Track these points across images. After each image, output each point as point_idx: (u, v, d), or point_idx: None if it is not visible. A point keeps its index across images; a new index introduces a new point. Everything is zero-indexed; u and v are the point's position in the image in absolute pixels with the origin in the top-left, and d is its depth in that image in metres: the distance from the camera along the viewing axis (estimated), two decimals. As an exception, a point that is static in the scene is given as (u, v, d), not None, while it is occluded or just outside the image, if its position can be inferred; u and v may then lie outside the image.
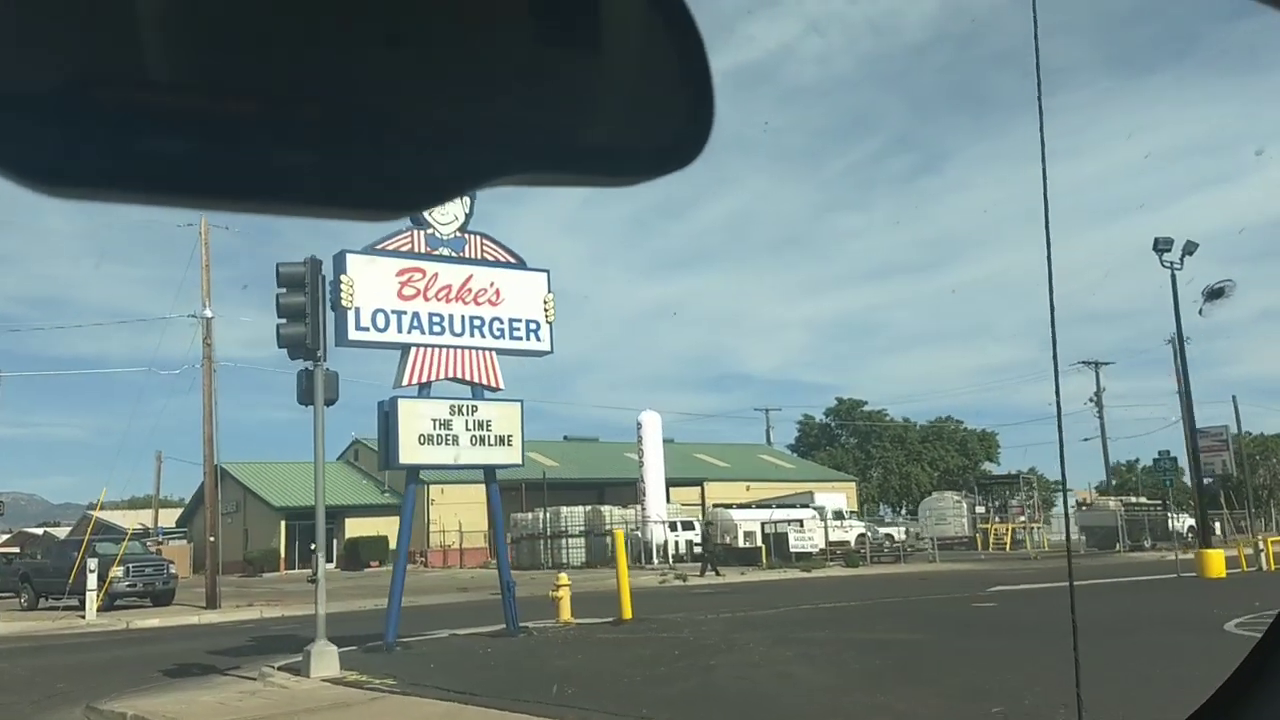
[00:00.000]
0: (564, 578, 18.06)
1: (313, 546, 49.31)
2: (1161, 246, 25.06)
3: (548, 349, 16.43)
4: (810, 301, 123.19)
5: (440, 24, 0.66)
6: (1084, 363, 59.41)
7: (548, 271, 16.69)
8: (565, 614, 17.27)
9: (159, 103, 0.62)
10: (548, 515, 44.96)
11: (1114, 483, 66.43)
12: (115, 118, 0.61)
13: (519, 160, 0.70)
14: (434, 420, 15.27)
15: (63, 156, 0.61)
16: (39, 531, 61.90)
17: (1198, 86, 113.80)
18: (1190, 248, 25.09)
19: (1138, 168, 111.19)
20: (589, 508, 45.89)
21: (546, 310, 16.39)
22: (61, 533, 52.99)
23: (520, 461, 16.10)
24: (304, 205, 0.68)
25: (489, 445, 15.64)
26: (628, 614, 16.91)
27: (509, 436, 15.80)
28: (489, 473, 16.32)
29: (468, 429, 15.48)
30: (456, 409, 15.48)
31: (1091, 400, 59.24)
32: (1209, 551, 24.73)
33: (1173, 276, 25.18)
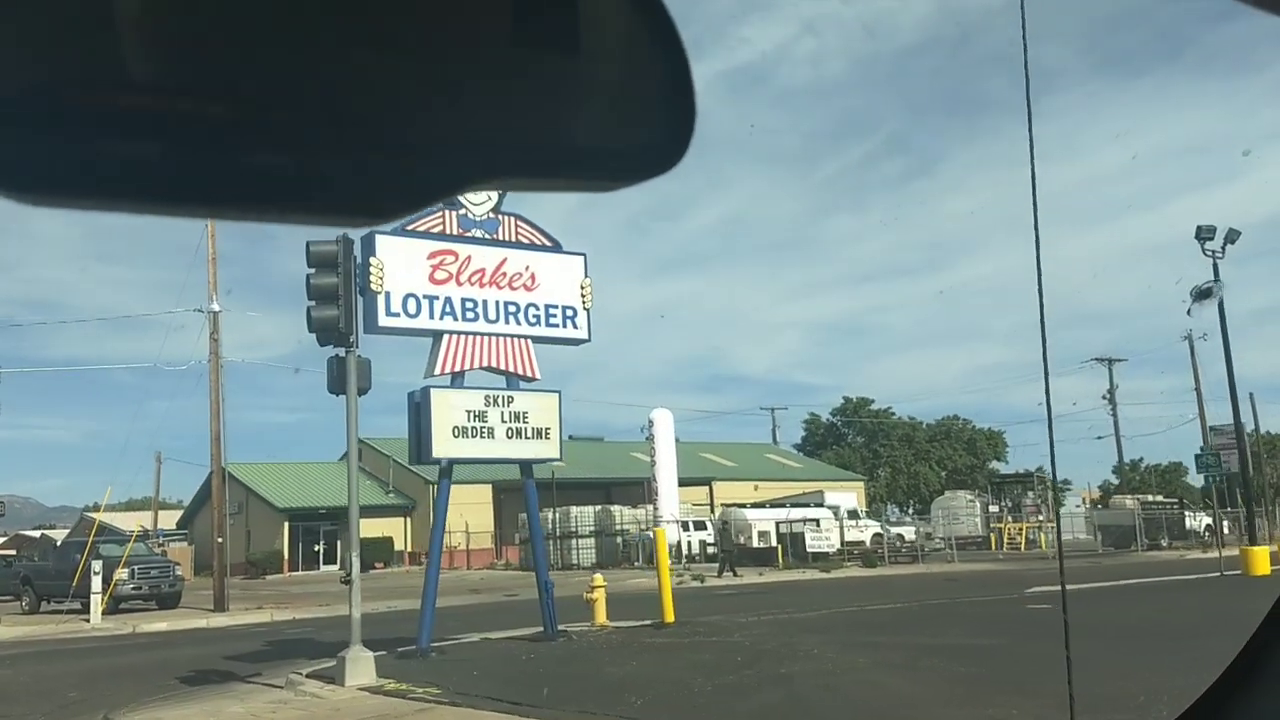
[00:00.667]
0: (599, 579, 17.23)
1: (316, 548, 48.23)
2: (1204, 235, 24.32)
3: (585, 336, 15.57)
4: (805, 303, 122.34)
5: (421, 27, 0.65)
6: (1097, 360, 58.60)
7: (584, 255, 15.84)
8: (601, 616, 16.42)
9: (137, 107, 0.61)
10: (556, 515, 44.06)
11: (1118, 482, 65.67)
12: (92, 123, 0.60)
13: (501, 164, 0.69)
14: (468, 412, 14.40)
15: (38, 164, 0.60)
16: (35, 534, 60.88)
17: (1187, 89, 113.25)
18: (1232, 236, 24.36)
19: (1129, 170, 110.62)
20: (599, 508, 45.05)
21: (584, 295, 15.53)
22: (58, 535, 51.97)
23: (559, 456, 15.26)
24: (285, 211, 0.67)
25: (525, 438, 14.77)
26: (670, 617, 16.05)
27: (546, 429, 14.93)
28: (525, 468, 15.44)
29: (503, 421, 14.61)
30: (492, 400, 14.61)
31: (1105, 398, 58.37)
32: (1254, 549, 24.02)
33: (1214, 266, 24.43)
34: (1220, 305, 23.85)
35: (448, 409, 14.27)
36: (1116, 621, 15.76)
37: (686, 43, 0.70)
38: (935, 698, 9.05)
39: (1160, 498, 54.93)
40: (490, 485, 48.28)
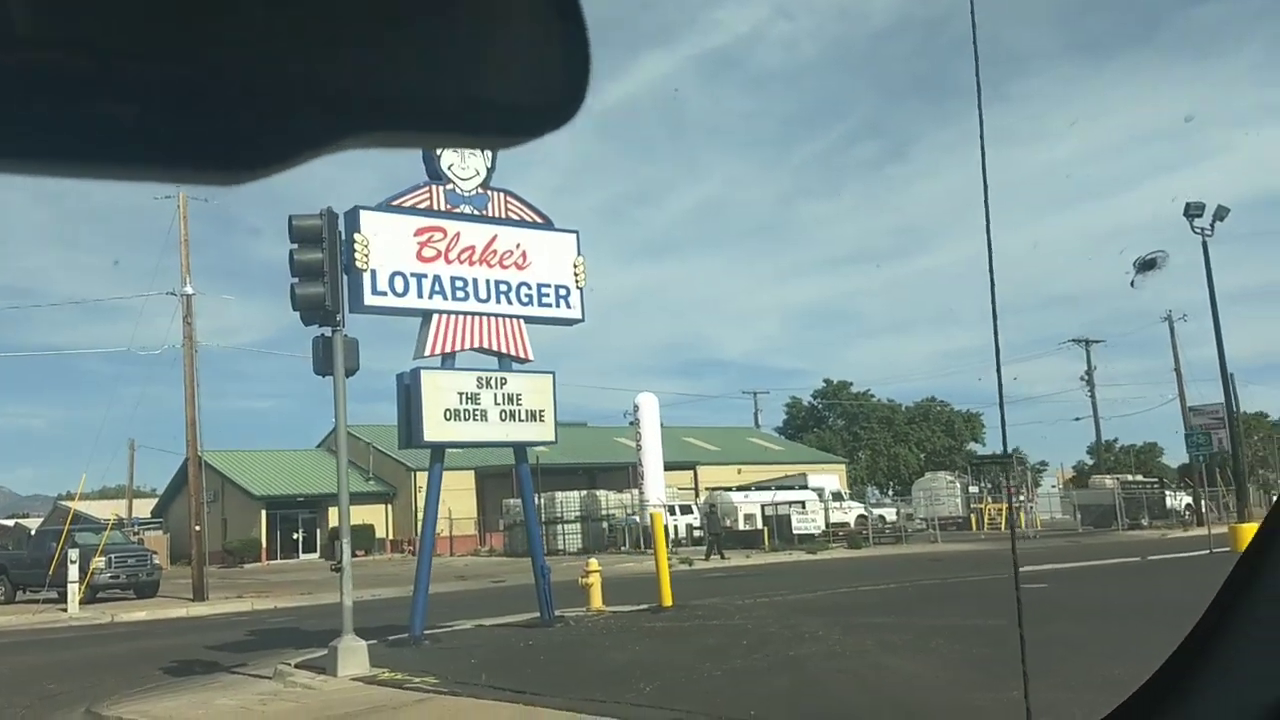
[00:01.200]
0: (594, 563, 16.97)
1: (294, 536, 47.70)
2: (1193, 211, 24.20)
3: (579, 316, 15.21)
4: (783, 288, 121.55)
5: None
6: (1074, 341, 58.69)
7: (577, 232, 15.46)
8: (596, 601, 16.13)
9: None
10: (542, 501, 43.72)
11: (1093, 462, 65.98)
12: None
13: (385, 118, 0.65)
14: (460, 394, 14.01)
15: None
16: (9, 523, 59.84)
17: (1159, 72, 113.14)
18: (1221, 213, 24.25)
19: (1102, 151, 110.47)
20: (584, 493, 44.72)
21: (577, 274, 15.16)
22: (31, 524, 51.08)
23: (554, 438, 14.89)
24: (146, 168, 0.63)
25: (519, 421, 14.39)
26: (668, 600, 15.78)
27: (540, 411, 14.57)
28: (519, 451, 15.09)
29: (496, 403, 14.24)
30: (484, 381, 14.23)
31: (1083, 379, 58.51)
32: (1243, 526, 24.01)
33: (1204, 244, 24.32)
34: (1210, 285, 23.76)
35: (439, 391, 13.88)
36: (1121, 601, 15.66)
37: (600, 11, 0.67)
38: (953, 680, 8.79)
39: (1140, 477, 55.23)
40: (473, 471, 47.87)
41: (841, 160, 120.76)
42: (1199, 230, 24.30)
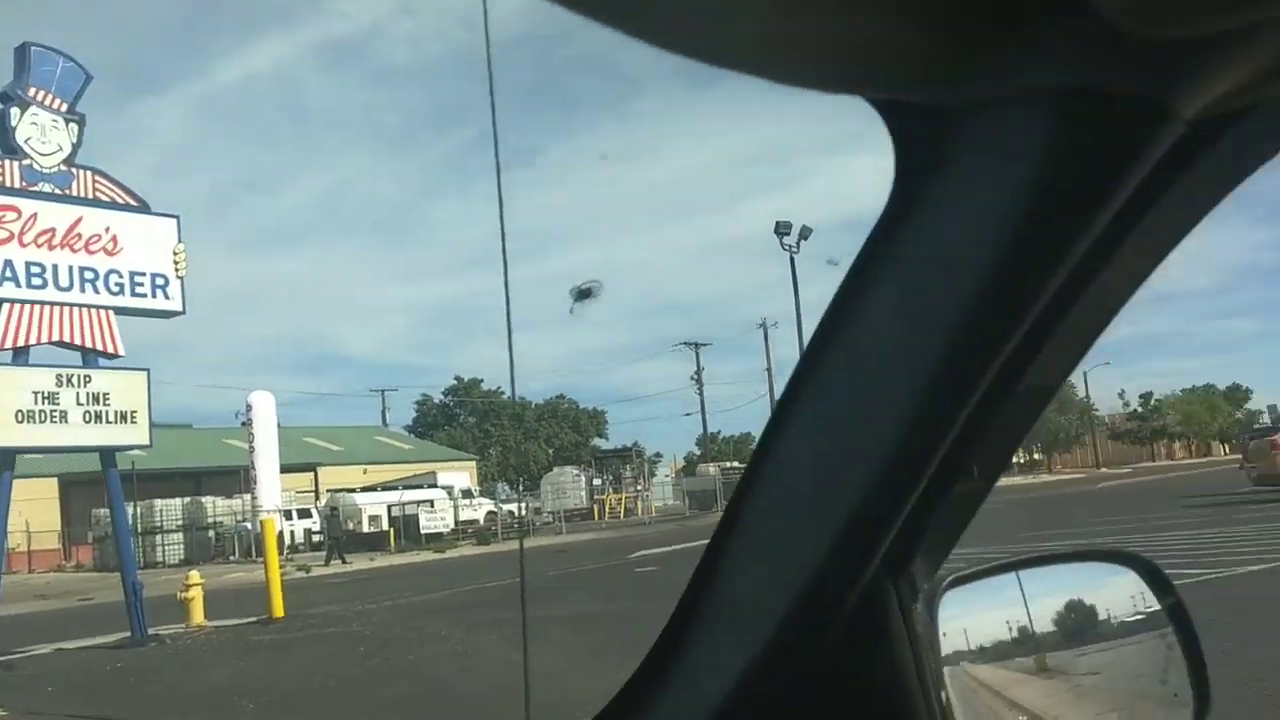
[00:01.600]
0: (195, 575, 15.73)
1: None
2: (782, 230, 26.97)
3: (179, 308, 14.06)
4: (412, 284, 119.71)
5: None
6: (685, 344, 63.24)
7: (178, 217, 14.26)
8: (198, 616, 14.96)
9: None
10: (139, 509, 39.75)
11: (701, 452, 71.77)
12: None
13: None
14: (35, 393, 12.45)
15: None
16: None
17: (753, 100, 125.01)
18: (805, 232, 27.25)
19: (711, 170, 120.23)
20: (188, 500, 41.37)
21: (176, 262, 13.98)
22: None
23: (148, 441, 13.61)
24: None
25: (107, 422, 13.02)
26: (279, 611, 14.95)
27: (132, 412, 13.28)
28: (107, 456, 13.62)
29: (80, 403, 12.79)
30: (65, 379, 12.74)
31: (692, 379, 63.27)
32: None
33: (791, 259, 27.21)
34: (796, 295, 26.68)
35: (9, 390, 12.30)
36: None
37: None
38: (573, 668, 9.06)
39: (737, 464, 60.77)
40: (56, 479, 42.67)
41: (471, 162, 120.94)
42: (787, 247, 27.19)
